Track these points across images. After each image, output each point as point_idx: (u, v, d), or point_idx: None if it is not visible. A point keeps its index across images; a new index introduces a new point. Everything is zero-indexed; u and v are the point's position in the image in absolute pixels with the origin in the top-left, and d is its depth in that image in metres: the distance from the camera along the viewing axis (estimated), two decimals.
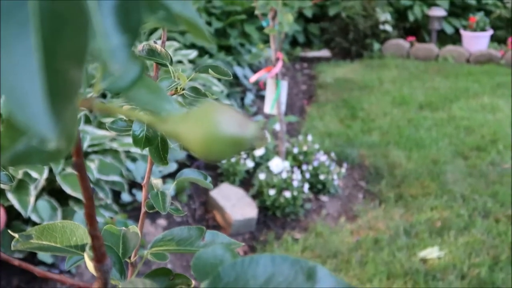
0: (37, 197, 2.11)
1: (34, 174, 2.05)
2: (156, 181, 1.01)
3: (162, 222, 2.43)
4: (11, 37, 0.20)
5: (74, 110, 0.21)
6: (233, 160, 2.71)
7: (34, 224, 2.05)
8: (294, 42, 5.66)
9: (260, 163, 2.76)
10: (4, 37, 0.19)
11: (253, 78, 2.69)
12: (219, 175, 2.79)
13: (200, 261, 0.37)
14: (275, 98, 2.59)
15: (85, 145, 2.29)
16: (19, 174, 2.05)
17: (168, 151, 0.91)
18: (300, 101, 4.13)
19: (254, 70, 3.88)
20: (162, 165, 0.90)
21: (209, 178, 0.79)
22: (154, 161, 0.89)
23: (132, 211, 2.41)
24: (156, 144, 0.87)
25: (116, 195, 2.42)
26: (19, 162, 0.26)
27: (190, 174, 1.06)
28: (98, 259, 0.38)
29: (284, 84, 2.62)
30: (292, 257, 0.30)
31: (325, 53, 5.46)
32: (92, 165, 2.25)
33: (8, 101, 0.19)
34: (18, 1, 0.20)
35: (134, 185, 2.52)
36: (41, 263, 1.99)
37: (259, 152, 2.76)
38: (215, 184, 2.68)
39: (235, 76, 3.63)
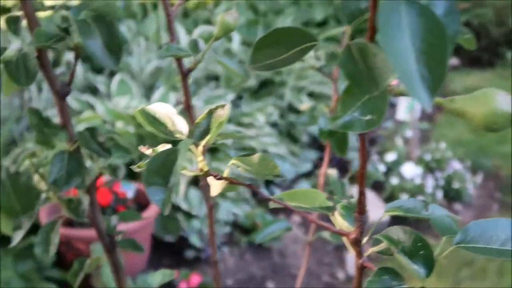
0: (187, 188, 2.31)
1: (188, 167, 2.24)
2: (331, 171, 1.11)
3: (297, 218, 2.55)
4: (392, 36, 0.29)
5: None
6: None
7: (183, 211, 2.24)
8: None
9: (391, 168, 2.79)
10: (385, 34, 0.29)
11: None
12: (352, 178, 2.86)
13: (438, 222, 0.46)
14: (411, 104, 2.61)
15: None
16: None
17: (348, 144, 1.01)
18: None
19: None
20: (340, 155, 1.00)
21: None
22: (334, 151, 1.00)
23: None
24: (338, 137, 0.98)
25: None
26: (347, 128, 0.36)
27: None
28: (360, 211, 0.48)
29: None
30: None
31: (453, 61, 5.33)
32: None
33: (401, 78, 0.28)
34: (394, 14, 0.29)
35: (269, 183, 2.66)
36: (191, 247, 2.18)
37: (391, 157, 2.80)
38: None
39: None
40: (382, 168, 2.78)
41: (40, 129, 0.63)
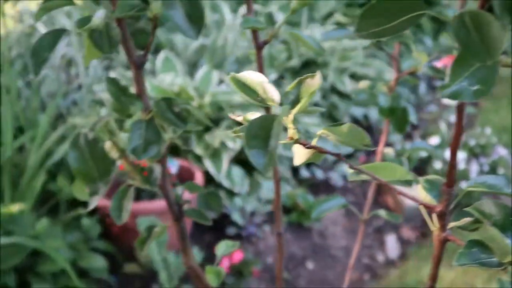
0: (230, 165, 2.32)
1: (230, 144, 2.26)
2: (388, 150, 1.11)
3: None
4: None
5: None
6: (407, 147, 2.73)
7: (225, 189, 2.26)
8: None
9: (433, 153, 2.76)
10: None
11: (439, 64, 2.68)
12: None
13: None
14: None
15: None
16: (216, 143, 2.28)
17: (408, 122, 1.00)
18: None
19: None
20: (399, 133, 1.00)
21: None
22: (395, 129, 0.99)
23: (310, 186, 2.55)
24: (398, 115, 0.97)
25: (295, 170, 2.57)
26: (455, 97, 0.36)
27: (421, 145, 1.15)
28: (449, 184, 0.48)
29: None
30: None
31: None
32: None
33: None
34: None
35: (310, 164, 2.66)
36: (233, 224, 2.20)
37: (434, 141, 2.76)
38: None
39: None
40: (423, 152, 2.74)
41: (118, 97, 0.64)
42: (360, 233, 1.12)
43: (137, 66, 0.64)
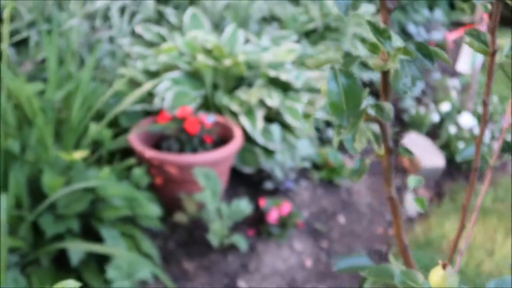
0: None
1: (268, 101, 2.33)
2: None
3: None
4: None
5: None
6: (422, 112, 2.87)
7: (260, 146, 2.34)
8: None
9: (445, 118, 2.90)
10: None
11: (452, 36, 2.81)
12: (404, 125, 2.97)
13: None
14: (475, 56, 2.70)
15: None
16: (253, 101, 2.34)
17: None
18: None
19: (427, 28, 3.96)
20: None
21: None
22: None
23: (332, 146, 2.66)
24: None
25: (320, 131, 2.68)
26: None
27: None
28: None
29: None
30: None
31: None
32: None
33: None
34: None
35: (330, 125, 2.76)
36: (271, 179, 2.28)
37: (445, 107, 2.90)
38: (401, 133, 2.87)
39: (408, 34, 3.75)
40: (436, 117, 2.89)
41: (377, 38, 0.71)
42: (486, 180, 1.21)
43: (389, 10, 0.71)
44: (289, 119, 2.37)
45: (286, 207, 2.02)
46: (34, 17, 2.80)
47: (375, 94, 3.15)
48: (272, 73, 2.45)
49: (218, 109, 2.47)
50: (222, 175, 2.18)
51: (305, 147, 2.31)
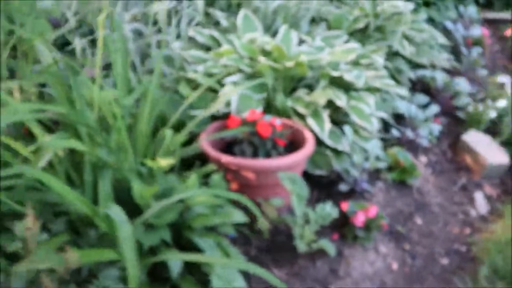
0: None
1: (338, 102, 2.26)
2: None
3: (423, 158, 2.61)
4: None
5: None
6: (480, 109, 2.82)
7: (330, 148, 2.27)
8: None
9: (502, 114, 2.85)
10: None
11: (509, 32, 2.76)
12: (460, 121, 2.92)
13: None
14: None
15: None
16: (321, 102, 2.27)
17: None
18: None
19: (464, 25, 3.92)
20: None
21: None
22: None
23: (397, 145, 2.60)
24: None
25: (386, 130, 2.62)
26: None
27: None
28: None
29: None
30: None
31: (506, 15, 5.37)
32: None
33: None
34: None
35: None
36: (344, 181, 2.22)
37: (501, 103, 2.86)
38: (460, 130, 2.83)
39: (447, 30, 3.71)
40: (493, 113, 2.84)
41: None
42: None
43: None
44: (356, 119, 2.31)
45: (373, 209, 1.96)
46: (78, 23, 2.73)
47: (424, 91, 3.10)
48: (335, 73, 2.38)
49: (278, 112, 2.40)
50: None
51: (375, 148, 2.24)
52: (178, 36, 2.75)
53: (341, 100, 2.27)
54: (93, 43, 2.59)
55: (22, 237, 1.25)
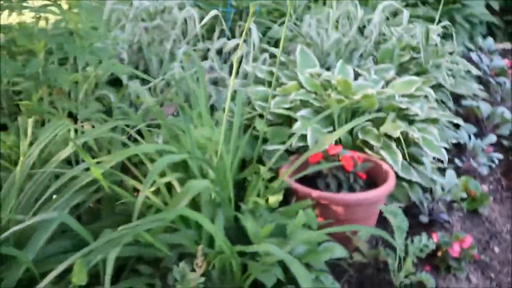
0: None
1: (413, 134, 2.29)
2: None
3: (484, 187, 2.65)
4: None
5: None
6: None
7: (405, 180, 2.29)
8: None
9: None
10: None
11: None
12: (505, 149, 2.99)
13: None
14: None
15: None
16: (396, 134, 2.29)
17: None
18: None
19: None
20: None
21: None
22: None
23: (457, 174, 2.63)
24: None
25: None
26: None
27: None
28: None
29: None
30: None
31: (507, 45, 5.56)
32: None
33: None
34: None
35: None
36: (423, 212, 2.23)
37: None
38: (510, 157, 2.89)
39: (474, 62, 3.82)
40: None
41: None
42: None
43: None
44: (427, 150, 2.34)
45: (468, 240, 1.97)
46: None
47: (466, 121, 3.17)
48: (403, 105, 2.42)
49: (343, 144, 2.41)
50: (377, 211, 2.12)
51: (452, 178, 2.27)
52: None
53: (415, 132, 2.30)
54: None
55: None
